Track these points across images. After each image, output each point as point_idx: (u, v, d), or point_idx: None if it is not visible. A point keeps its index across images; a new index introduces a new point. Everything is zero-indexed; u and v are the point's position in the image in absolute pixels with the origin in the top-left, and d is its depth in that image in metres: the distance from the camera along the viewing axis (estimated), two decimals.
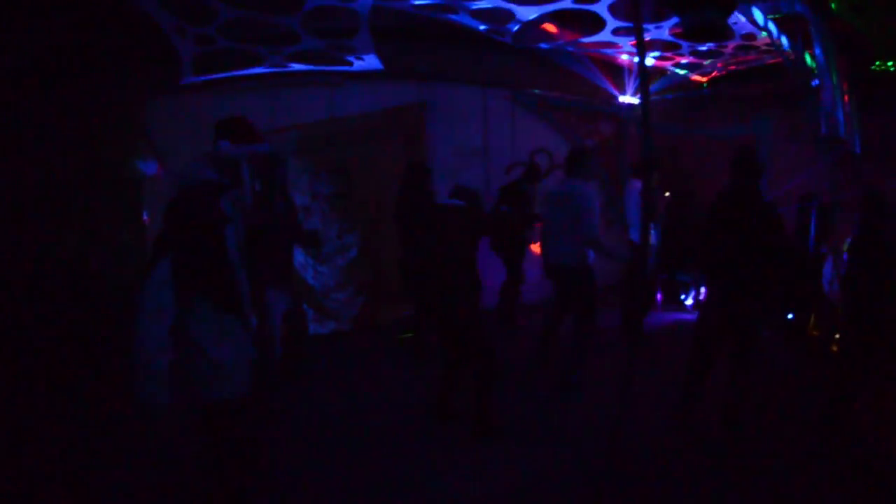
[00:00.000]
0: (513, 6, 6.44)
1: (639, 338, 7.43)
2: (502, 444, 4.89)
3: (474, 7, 6.48)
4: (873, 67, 7.36)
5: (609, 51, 8.58)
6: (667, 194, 8.99)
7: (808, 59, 6.62)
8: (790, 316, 7.71)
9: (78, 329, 6.34)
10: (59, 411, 5.53)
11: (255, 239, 3.74)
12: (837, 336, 6.41)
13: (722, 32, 4.08)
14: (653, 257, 8.01)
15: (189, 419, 3.57)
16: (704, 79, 9.67)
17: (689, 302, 9.48)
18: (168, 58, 6.51)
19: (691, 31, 4.08)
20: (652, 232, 7.95)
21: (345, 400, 5.96)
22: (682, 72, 9.43)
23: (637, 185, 7.89)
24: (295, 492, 4.28)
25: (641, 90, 3.77)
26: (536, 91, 9.63)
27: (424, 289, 5.09)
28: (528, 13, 6.69)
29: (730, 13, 4.21)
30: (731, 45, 7.62)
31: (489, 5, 6.41)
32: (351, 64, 7.47)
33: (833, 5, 5.88)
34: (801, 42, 6.62)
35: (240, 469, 3.58)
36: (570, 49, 8.53)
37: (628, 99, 10.10)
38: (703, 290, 8.82)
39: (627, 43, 7.82)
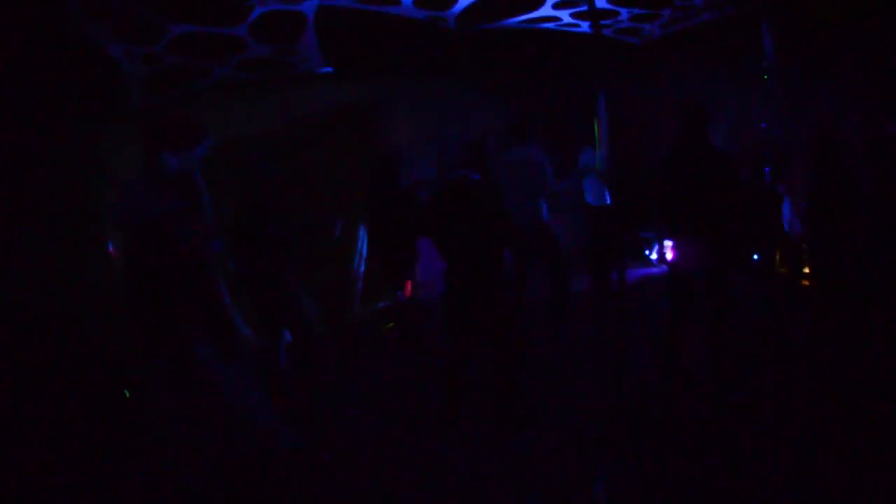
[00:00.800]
0: None
1: (614, 295, 7.81)
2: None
3: None
4: None
5: (550, 24, 8.80)
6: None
7: None
8: (756, 256, 8.09)
9: (47, 362, 6.34)
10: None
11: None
12: (806, 271, 6.77)
13: None
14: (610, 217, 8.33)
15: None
16: (644, 41, 9.94)
17: (654, 256, 9.85)
18: (118, 82, 6.55)
19: None
20: (605, 193, 8.31)
21: (338, 401, 6.05)
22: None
23: (588, 150, 8.25)
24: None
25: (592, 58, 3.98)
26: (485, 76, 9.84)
27: (465, 279, 4.92)
28: None
29: None
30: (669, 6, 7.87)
31: None
32: (298, 67, 7.60)
33: None
34: None
35: None
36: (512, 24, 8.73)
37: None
38: (666, 243, 9.19)
39: (567, 14, 8.06)
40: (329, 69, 7.63)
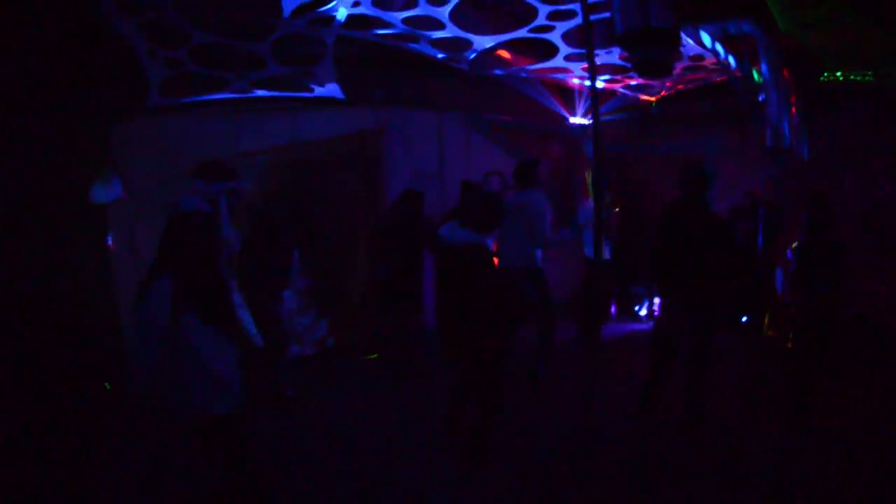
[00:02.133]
0: (471, 36, 7.03)
1: (596, 348, 8.08)
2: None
3: (434, 37, 7.04)
4: (821, 79, 8.11)
5: (560, 75, 9.22)
6: (616, 210, 9.65)
7: (755, 75, 7.31)
8: (744, 318, 8.42)
9: (44, 356, 6.56)
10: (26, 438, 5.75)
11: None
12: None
13: (668, 67, 4.64)
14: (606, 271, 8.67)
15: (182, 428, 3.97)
16: (653, 98, 10.38)
17: (643, 312, 10.19)
18: (135, 80, 6.81)
19: (639, 67, 4.63)
20: (605, 247, 8.65)
21: (322, 427, 6.11)
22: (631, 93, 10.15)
23: (589, 203, 8.59)
24: None
25: (592, 112, 4.34)
26: (489, 115, 10.26)
27: (453, 317, 5.01)
28: (486, 42, 7.29)
29: (674, 50, 4.80)
30: (680, 66, 8.27)
31: (449, 35, 6.96)
32: (312, 90, 7.94)
33: (780, 24, 6.54)
34: (747, 60, 7.34)
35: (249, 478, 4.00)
36: (523, 74, 9.15)
37: (578, 120, 10.80)
38: (656, 300, 9.54)
39: (578, 67, 8.47)
40: (341, 95, 7.97)
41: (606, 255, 8.77)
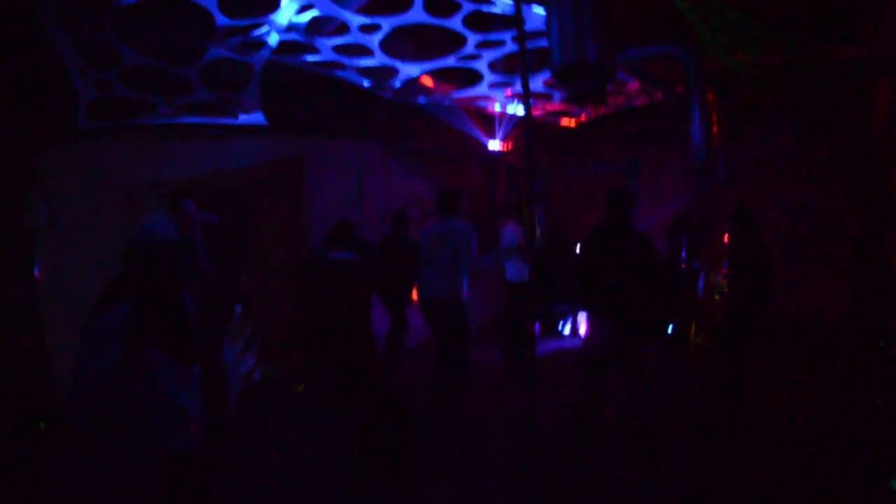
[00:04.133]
0: (398, 63, 7.32)
1: (529, 367, 8.40)
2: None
3: (363, 65, 7.31)
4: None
5: (482, 103, 9.62)
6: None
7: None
8: (669, 329, 8.94)
9: None
10: None
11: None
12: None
13: (601, 98, 5.04)
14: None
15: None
16: (573, 122, 10.90)
17: (566, 331, 10.75)
18: (65, 101, 6.71)
19: (573, 98, 4.99)
20: (525, 270, 9.03)
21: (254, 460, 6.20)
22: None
23: (510, 225, 8.99)
24: None
25: (527, 139, 4.66)
26: (409, 143, 10.58)
27: (326, 346, 5.25)
28: (412, 70, 7.60)
29: (608, 82, 5.18)
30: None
31: (376, 63, 7.24)
32: (236, 117, 8.07)
33: (706, 48, 7.07)
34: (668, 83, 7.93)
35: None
36: (446, 102, 9.50)
37: (497, 145, 11.23)
38: (580, 317, 10.04)
39: (501, 95, 8.89)
40: (264, 122, 8.11)
41: (525, 276, 9.14)
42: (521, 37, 4.47)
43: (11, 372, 6.59)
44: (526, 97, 4.55)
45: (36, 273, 7.13)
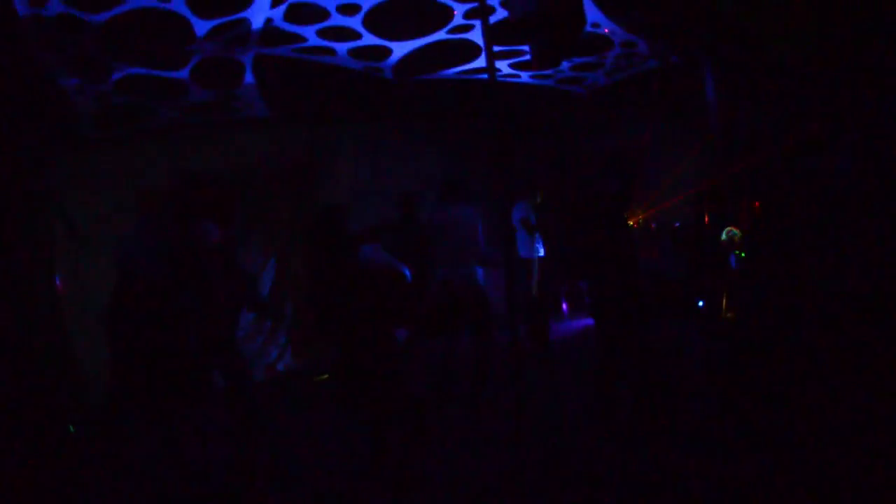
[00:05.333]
0: (389, 43, 7.25)
1: (544, 346, 8.34)
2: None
3: (352, 47, 7.28)
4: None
5: (486, 76, 9.48)
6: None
7: None
8: (700, 303, 8.75)
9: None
10: None
11: None
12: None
13: (570, 53, 4.72)
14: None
15: None
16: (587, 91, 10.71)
17: None
18: (68, 114, 6.96)
19: (538, 58, 4.72)
20: (538, 245, 8.94)
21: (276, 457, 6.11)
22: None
23: (522, 204, 8.91)
24: None
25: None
26: (419, 122, 10.58)
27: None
28: (404, 48, 7.50)
29: (580, 31, 4.95)
30: (612, 54, 8.59)
31: (366, 44, 7.17)
32: (239, 111, 8.15)
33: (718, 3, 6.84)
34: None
35: None
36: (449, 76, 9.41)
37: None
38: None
39: (506, 65, 8.77)
40: (266, 114, 8.18)
41: (540, 253, 9.05)
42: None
43: (38, 375, 6.74)
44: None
45: (58, 283, 7.31)
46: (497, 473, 5.29)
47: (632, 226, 5.79)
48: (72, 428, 6.82)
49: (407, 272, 5.17)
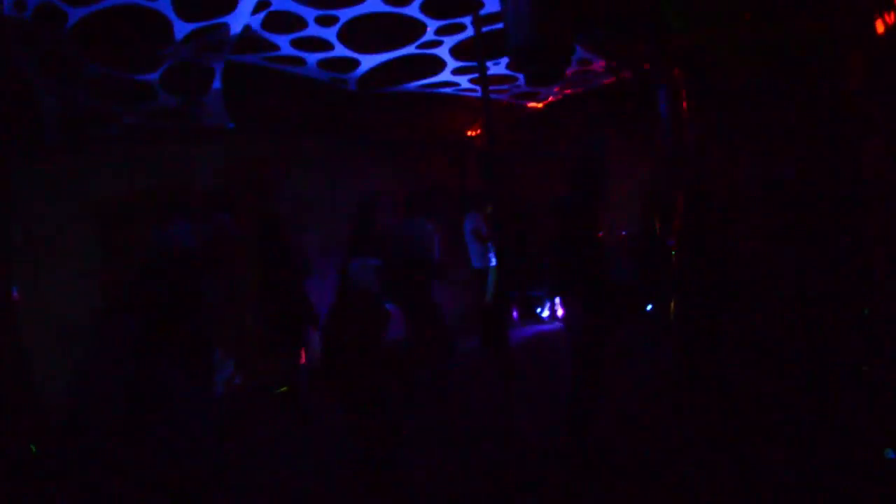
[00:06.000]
0: (358, 55, 7.42)
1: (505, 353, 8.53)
2: None
3: (322, 58, 7.40)
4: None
5: (448, 89, 9.72)
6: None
7: None
8: (648, 307, 9.08)
9: None
10: None
11: None
12: None
13: (558, 78, 5.06)
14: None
15: None
16: (541, 105, 11.02)
17: (545, 314, 10.90)
18: (30, 117, 6.72)
19: (530, 79, 5.01)
20: (490, 255, 9.17)
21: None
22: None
23: (474, 215, 9.13)
24: None
25: (486, 124, 4.70)
26: (377, 136, 10.68)
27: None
28: (373, 61, 7.69)
29: (567, 62, 5.19)
30: (569, 71, 8.88)
31: (337, 55, 7.34)
32: (202, 120, 8.14)
33: (673, 24, 7.14)
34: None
35: None
36: (411, 90, 9.59)
37: (468, 132, 11.37)
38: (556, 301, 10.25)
39: (466, 80, 8.99)
40: (230, 124, 8.18)
41: (492, 262, 9.27)
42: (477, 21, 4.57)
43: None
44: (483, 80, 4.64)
45: (15, 295, 7.13)
46: (477, 475, 5.48)
47: (600, 237, 5.97)
48: (33, 448, 6.70)
49: (388, 306, 5.34)
